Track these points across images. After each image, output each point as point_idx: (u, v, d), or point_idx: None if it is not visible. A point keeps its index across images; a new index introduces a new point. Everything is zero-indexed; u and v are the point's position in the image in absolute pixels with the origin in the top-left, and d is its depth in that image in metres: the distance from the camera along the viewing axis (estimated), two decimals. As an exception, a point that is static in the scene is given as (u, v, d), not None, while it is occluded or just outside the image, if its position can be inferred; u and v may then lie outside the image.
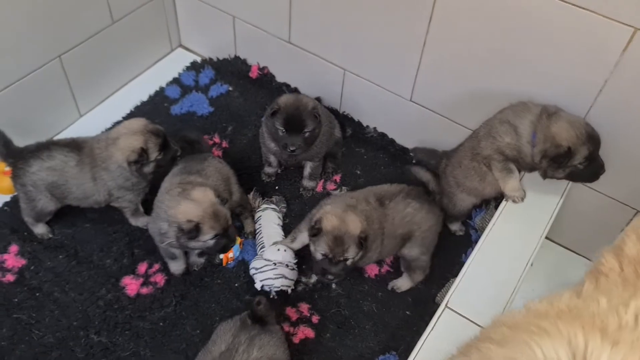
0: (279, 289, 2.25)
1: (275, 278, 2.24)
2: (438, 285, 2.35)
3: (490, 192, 2.31)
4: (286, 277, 2.25)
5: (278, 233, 2.41)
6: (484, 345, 1.20)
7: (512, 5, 2.01)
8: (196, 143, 2.41)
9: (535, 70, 2.13)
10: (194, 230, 1.96)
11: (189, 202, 1.99)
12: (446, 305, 1.81)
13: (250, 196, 2.53)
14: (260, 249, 2.35)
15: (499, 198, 2.32)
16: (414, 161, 2.67)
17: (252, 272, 2.30)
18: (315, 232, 2.01)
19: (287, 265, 2.26)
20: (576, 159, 1.99)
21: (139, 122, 2.22)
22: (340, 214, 2.01)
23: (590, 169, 2.03)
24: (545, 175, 2.07)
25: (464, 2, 2.11)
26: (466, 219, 2.52)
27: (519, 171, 2.18)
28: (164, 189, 2.16)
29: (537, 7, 1.96)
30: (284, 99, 2.36)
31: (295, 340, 2.18)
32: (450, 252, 2.46)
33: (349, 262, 2.03)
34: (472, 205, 2.44)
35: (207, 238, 2.00)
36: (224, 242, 2.06)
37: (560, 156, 1.98)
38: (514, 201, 2.14)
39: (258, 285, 2.27)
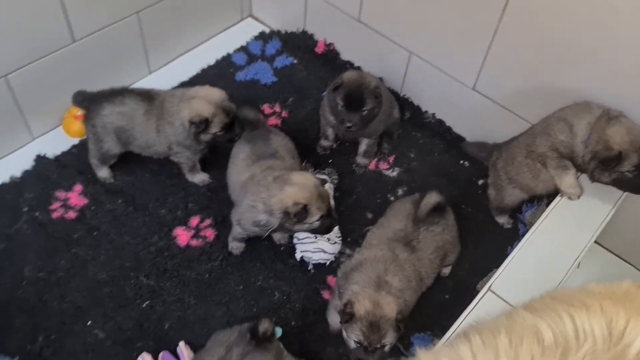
0: (316, 262, 2.31)
1: (313, 252, 2.30)
2: (481, 274, 2.34)
3: (542, 190, 2.29)
4: (325, 251, 2.30)
5: None
6: (520, 311, 1.19)
7: (597, 2, 1.97)
8: (253, 122, 2.40)
9: (610, 70, 2.09)
10: (302, 212, 1.96)
11: (292, 186, 1.98)
12: (489, 288, 1.82)
13: (303, 165, 2.58)
14: None
15: (550, 195, 2.29)
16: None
17: (294, 241, 2.36)
18: (347, 318, 1.80)
19: (328, 239, 2.31)
20: (625, 166, 1.94)
21: (217, 94, 2.28)
22: (373, 295, 1.82)
23: (637, 179, 1.96)
24: (592, 178, 2.04)
25: (541, -7, 2.09)
26: (516, 213, 2.50)
27: None
28: (245, 181, 2.15)
29: (619, 3, 1.92)
30: (348, 75, 2.39)
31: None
32: (496, 244, 2.45)
33: (386, 349, 1.83)
34: (521, 200, 2.42)
35: (314, 219, 1.99)
36: (329, 221, 2.05)
37: (609, 159, 1.94)
38: (570, 198, 2.11)
39: (298, 256, 2.33)
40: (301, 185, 1.99)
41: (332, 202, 2.44)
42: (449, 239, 2.18)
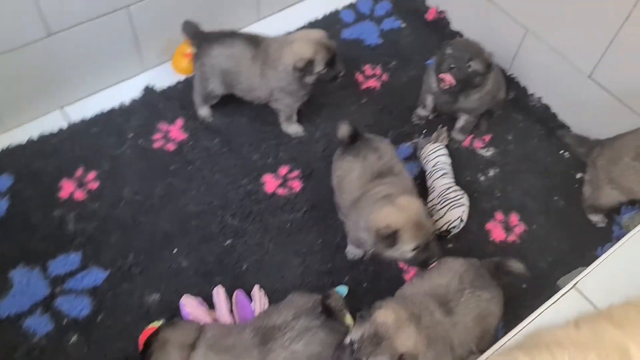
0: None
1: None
2: (563, 270, 2.26)
3: None
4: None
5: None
6: (600, 321, 1.12)
7: None
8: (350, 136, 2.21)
9: None
10: (392, 237, 1.84)
11: (392, 207, 1.88)
12: (574, 285, 1.75)
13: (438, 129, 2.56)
14: None
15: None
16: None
17: None
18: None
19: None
20: None
21: (317, 33, 2.30)
22: (400, 316, 1.64)
23: None
24: None
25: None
26: (612, 214, 2.37)
27: None
28: (357, 197, 2.05)
29: None
30: (464, 39, 2.33)
31: (407, 277, 2.23)
32: (584, 242, 2.35)
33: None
34: (618, 202, 2.28)
35: (406, 248, 1.86)
36: (425, 255, 1.89)
37: None
38: None
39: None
40: (400, 208, 1.87)
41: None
42: (495, 312, 1.91)
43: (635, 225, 2.25)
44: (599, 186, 2.25)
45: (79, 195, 2.35)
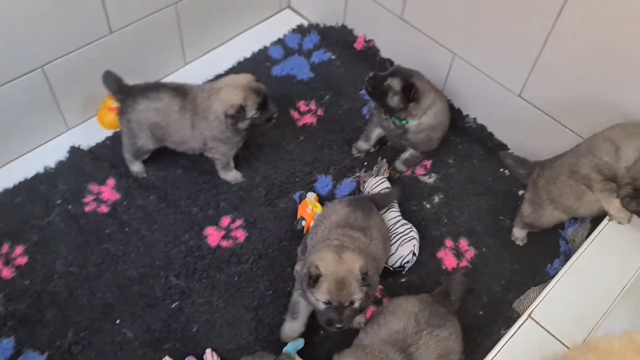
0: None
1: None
2: (517, 291, 2.26)
3: (585, 212, 2.17)
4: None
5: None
6: None
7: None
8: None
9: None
10: (314, 280, 1.78)
11: (333, 255, 1.80)
12: (529, 315, 1.74)
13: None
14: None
15: (594, 218, 2.19)
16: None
17: None
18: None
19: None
20: None
21: (244, 78, 2.25)
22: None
23: None
24: (621, 202, 1.92)
25: (598, 2, 1.96)
26: (558, 229, 2.39)
27: None
28: (320, 237, 2.01)
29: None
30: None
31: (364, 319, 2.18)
32: (533, 260, 2.37)
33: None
34: (559, 221, 2.31)
35: (319, 297, 1.79)
36: (332, 316, 1.79)
37: None
38: (619, 222, 1.97)
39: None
40: (339, 260, 1.78)
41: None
42: (456, 348, 1.89)
43: (580, 238, 2.30)
44: (541, 206, 2.26)
45: (7, 273, 2.18)
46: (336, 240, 1.91)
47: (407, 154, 2.52)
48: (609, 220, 2.00)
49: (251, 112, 2.24)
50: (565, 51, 2.18)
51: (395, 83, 2.28)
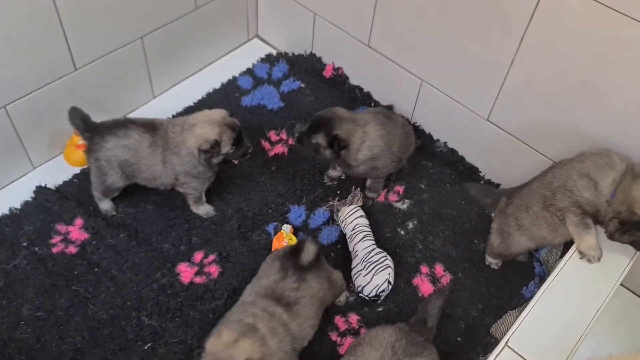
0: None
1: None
2: (494, 315, 2.26)
3: (560, 242, 2.18)
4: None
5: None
6: None
7: (617, 36, 1.89)
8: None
9: (629, 111, 2.01)
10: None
11: (231, 337, 1.69)
12: (506, 343, 1.73)
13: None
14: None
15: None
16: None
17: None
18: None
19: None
20: None
21: (218, 113, 2.23)
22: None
23: None
24: (610, 236, 1.92)
25: (561, 25, 2.01)
26: (532, 251, 2.41)
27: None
28: (246, 299, 1.97)
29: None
30: (333, 109, 2.33)
31: (342, 351, 2.15)
32: (509, 283, 2.37)
33: None
34: (527, 250, 2.32)
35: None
36: None
37: (630, 224, 1.83)
38: (589, 261, 1.95)
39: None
40: (233, 344, 1.68)
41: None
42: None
43: (554, 258, 2.31)
44: (509, 235, 2.23)
45: (-29, 322, 2.10)
46: (251, 317, 1.82)
47: (369, 181, 2.52)
48: (580, 257, 1.97)
49: (226, 147, 2.21)
50: (530, 75, 2.22)
51: (320, 139, 2.24)
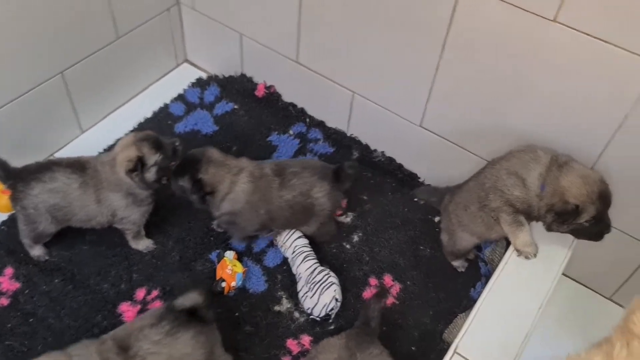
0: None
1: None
2: (445, 320, 2.26)
3: (496, 237, 2.22)
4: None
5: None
6: None
7: (531, 37, 1.94)
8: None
9: (550, 105, 2.06)
10: None
11: None
12: (455, 350, 1.73)
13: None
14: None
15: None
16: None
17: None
18: None
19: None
20: (582, 217, 1.87)
21: (128, 137, 2.18)
22: None
23: (595, 228, 1.90)
24: (549, 229, 1.96)
25: (478, 30, 2.05)
26: (475, 251, 2.43)
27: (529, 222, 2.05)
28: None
29: (558, 40, 1.89)
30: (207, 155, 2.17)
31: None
32: (457, 286, 2.38)
33: None
34: (474, 245, 2.34)
35: None
36: None
37: (566, 213, 1.87)
38: (526, 257, 2.00)
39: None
40: None
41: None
42: None
43: (498, 257, 2.34)
44: (453, 232, 2.28)
45: None
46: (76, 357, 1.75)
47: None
48: (517, 255, 2.01)
49: (152, 158, 2.13)
50: (455, 79, 2.25)
51: (186, 183, 2.14)
